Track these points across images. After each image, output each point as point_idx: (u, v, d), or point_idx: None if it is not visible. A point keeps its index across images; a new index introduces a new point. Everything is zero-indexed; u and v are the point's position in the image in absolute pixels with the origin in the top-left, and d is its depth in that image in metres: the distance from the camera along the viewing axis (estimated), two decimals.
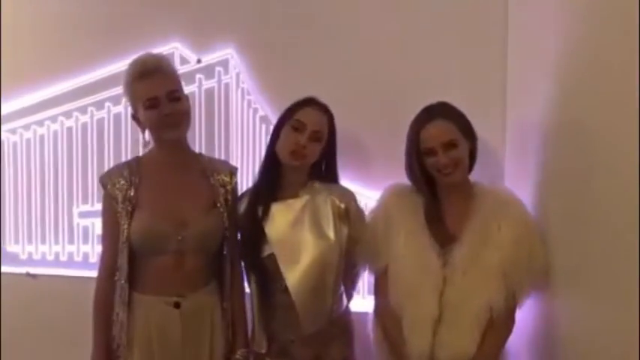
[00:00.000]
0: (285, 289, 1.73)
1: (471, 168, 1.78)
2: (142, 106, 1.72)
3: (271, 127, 1.90)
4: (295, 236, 1.74)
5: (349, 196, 1.82)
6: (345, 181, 1.95)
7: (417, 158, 1.73)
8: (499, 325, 1.65)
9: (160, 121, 1.72)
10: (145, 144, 1.83)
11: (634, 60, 1.14)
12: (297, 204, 1.77)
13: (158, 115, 1.71)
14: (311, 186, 1.80)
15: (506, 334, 1.69)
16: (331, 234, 1.74)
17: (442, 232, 1.72)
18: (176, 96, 1.74)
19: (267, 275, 1.77)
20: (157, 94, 1.70)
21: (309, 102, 1.81)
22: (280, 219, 1.76)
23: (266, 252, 1.75)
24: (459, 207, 1.73)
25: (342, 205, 1.78)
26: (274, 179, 1.80)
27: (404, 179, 1.81)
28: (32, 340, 2.70)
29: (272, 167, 1.81)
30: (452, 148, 1.68)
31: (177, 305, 1.72)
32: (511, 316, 1.69)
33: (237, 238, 1.88)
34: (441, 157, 1.68)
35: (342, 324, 1.85)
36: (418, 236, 1.72)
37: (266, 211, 1.77)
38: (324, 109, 1.82)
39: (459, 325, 1.64)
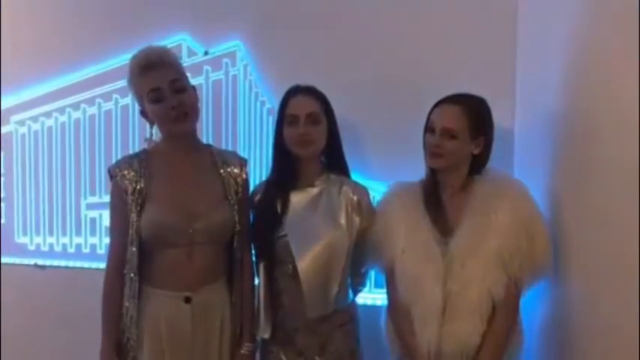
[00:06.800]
0: (292, 275, 1.76)
1: (481, 167, 1.75)
2: (147, 100, 1.69)
3: None
4: (309, 220, 1.79)
5: (362, 191, 1.86)
6: (354, 172, 1.96)
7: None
8: (501, 313, 1.64)
9: (167, 115, 1.68)
10: (150, 141, 1.81)
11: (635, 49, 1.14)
12: (313, 190, 1.83)
13: (164, 108, 1.68)
14: (326, 178, 1.85)
15: (509, 322, 1.67)
16: (343, 222, 1.79)
17: (442, 221, 1.71)
18: (179, 86, 1.70)
19: (275, 259, 1.79)
20: (160, 85, 1.67)
21: (295, 91, 1.84)
22: (296, 202, 1.81)
23: (277, 233, 1.78)
24: (458, 197, 1.73)
25: (355, 198, 1.82)
26: (291, 169, 1.84)
27: (408, 171, 1.82)
28: (39, 331, 2.71)
29: (286, 159, 1.84)
30: (449, 137, 1.67)
31: (187, 300, 1.71)
32: (512, 304, 1.67)
33: (249, 230, 1.87)
34: (434, 137, 1.69)
35: (348, 316, 1.86)
36: (419, 228, 1.72)
37: (286, 200, 1.81)
38: (311, 92, 1.84)
39: (462, 315, 1.64)
